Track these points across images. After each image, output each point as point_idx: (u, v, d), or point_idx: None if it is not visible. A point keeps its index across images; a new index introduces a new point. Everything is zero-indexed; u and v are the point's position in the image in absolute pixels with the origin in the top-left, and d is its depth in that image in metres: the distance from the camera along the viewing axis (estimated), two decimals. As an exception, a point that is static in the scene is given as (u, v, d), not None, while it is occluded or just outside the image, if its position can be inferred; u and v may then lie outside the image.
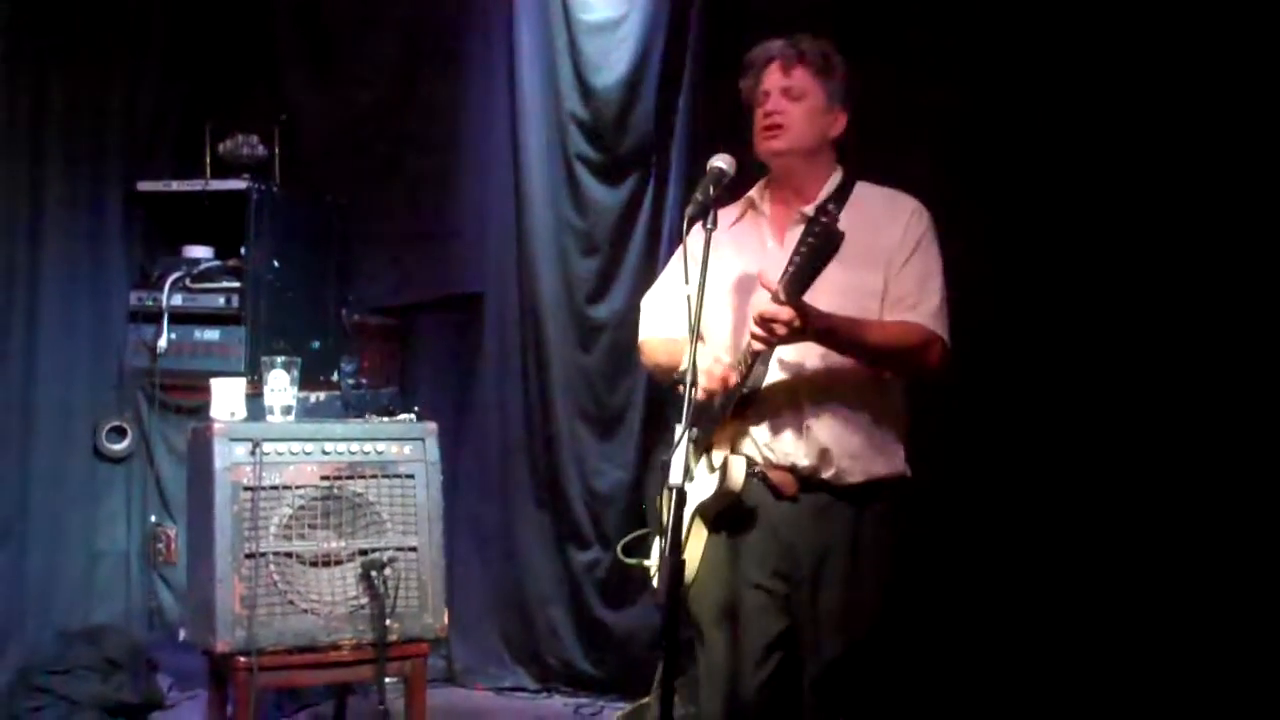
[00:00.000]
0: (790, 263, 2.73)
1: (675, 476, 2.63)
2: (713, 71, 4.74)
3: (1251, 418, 3.90)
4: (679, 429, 2.66)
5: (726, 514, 3.05)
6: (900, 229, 3.03)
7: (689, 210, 2.91)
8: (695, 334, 2.73)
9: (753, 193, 3.18)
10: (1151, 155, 4.04)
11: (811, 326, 2.80)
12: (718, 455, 3.03)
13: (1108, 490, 4.08)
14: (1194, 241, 3.98)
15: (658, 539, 3.22)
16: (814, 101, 3.06)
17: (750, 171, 3.13)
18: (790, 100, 3.05)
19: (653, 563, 3.22)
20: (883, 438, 3.05)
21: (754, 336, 2.82)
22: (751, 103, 3.13)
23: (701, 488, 3.04)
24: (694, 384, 2.69)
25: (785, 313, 2.76)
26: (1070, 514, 4.11)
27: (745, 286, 3.05)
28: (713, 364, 2.94)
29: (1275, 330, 3.88)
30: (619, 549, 3.38)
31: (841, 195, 3.07)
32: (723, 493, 3.00)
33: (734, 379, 2.92)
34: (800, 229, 2.82)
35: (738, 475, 2.99)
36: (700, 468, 3.08)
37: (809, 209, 2.94)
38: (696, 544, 3.08)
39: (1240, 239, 3.93)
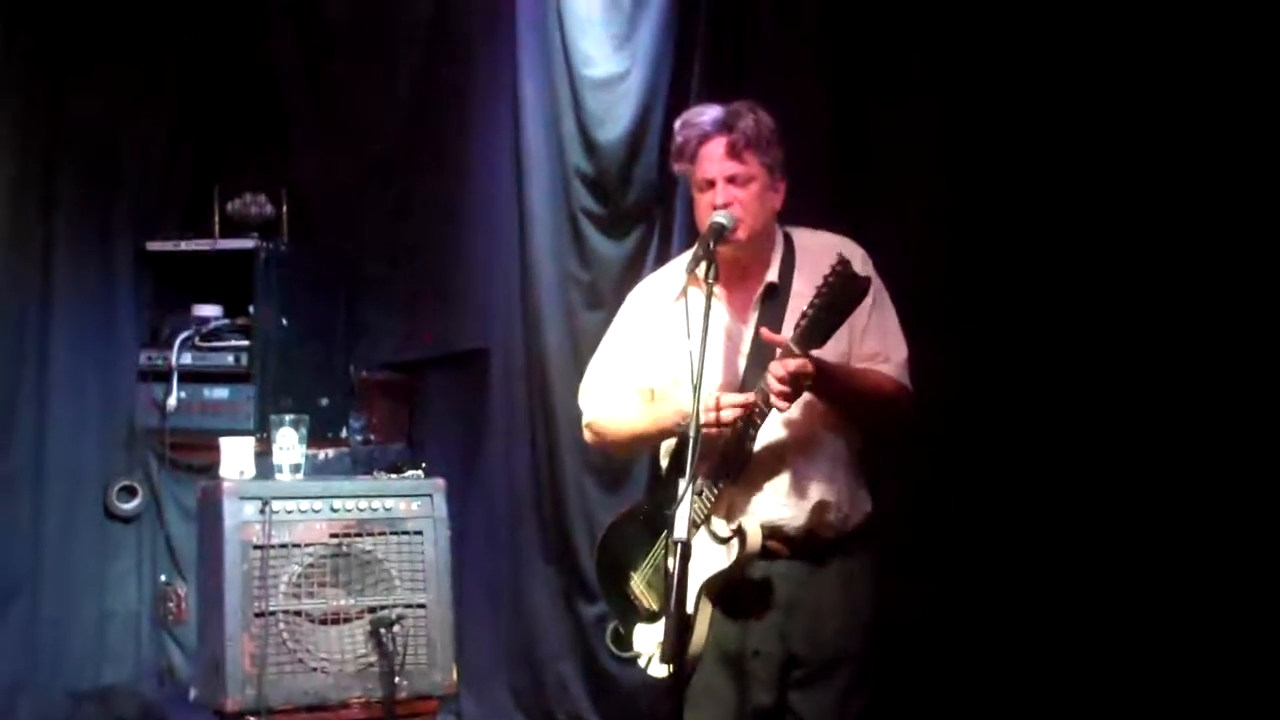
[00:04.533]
0: (803, 316, 2.73)
1: (680, 531, 2.61)
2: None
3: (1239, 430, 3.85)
4: (682, 483, 2.65)
5: (732, 586, 2.96)
6: None
7: (688, 265, 2.94)
8: (699, 389, 2.70)
9: (690, 268, 2.97)
10: (1139, 168, 3.96)
11: (820, 376, 2.78)
12: (720, 525, 2.93)
13: (1090, 505, 3.97)
14: (1179, 250, 3.90)
15: (638, 626, 3.10)
16: (760, 183, 2.98)
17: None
18: (738, 187, 2.95)
19: (643, 649, 3.08)
20: (859, 485, 3.06)
21: (779, 395, 2.75)
22: (689, 183, 3.06)
23: (709, 562, 2.91)
24: (696, 438, 2.65)
25: (808, 365, 2.74)
26: (1053, 530, 4.01)
27: (710, 360, 2.92)
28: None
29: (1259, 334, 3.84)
30: (609, 642, 3.17)
31: (789, 260, 3.04)
32: (744, 558, 2.89)
33: (738, 421, 2.86)
34: (759, 308, 2.94)
35: (757, 538, 2.89)
36: (701, 541, 2.91)
37: (771, 275, 3.01)
38: (703, 621, 2.94)
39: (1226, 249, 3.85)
